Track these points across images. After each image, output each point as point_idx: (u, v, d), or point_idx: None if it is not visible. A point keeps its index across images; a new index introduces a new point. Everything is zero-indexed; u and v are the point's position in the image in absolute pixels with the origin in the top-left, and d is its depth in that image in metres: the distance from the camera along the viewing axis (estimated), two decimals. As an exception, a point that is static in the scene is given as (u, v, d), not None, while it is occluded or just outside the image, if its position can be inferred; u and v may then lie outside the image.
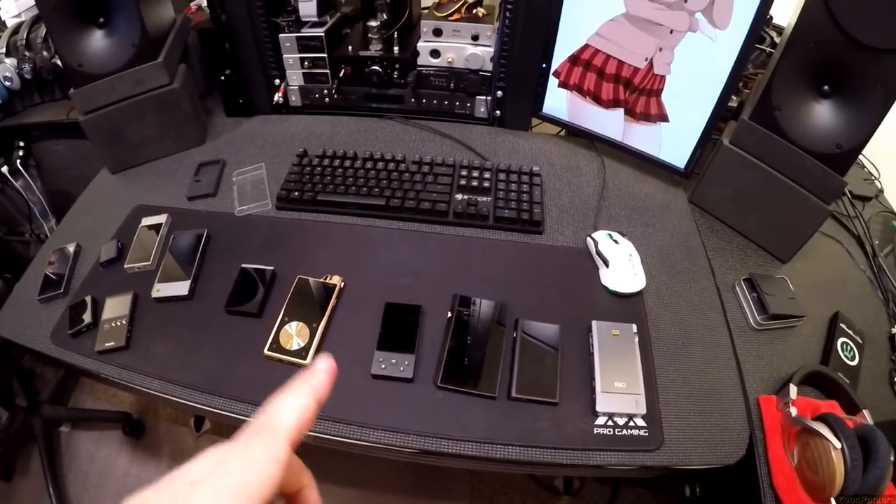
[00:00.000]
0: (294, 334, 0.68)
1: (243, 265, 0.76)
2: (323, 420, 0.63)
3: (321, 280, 0.75)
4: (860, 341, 0.77)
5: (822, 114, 0.76)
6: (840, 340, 0.76)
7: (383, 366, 0.68)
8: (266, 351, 0.67)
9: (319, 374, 0.26)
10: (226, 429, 1.34)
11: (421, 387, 0.68)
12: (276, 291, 0.74)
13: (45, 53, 1.13)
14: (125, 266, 0.78)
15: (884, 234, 0.95)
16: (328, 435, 0.63)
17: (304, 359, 0.66)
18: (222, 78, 1.03)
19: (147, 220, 0.84)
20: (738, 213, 0.88)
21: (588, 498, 1.20)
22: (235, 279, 0.74)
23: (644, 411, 0.64)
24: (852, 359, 0.75)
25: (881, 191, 1.02)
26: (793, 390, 0.67)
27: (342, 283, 0.75)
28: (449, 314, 0.73)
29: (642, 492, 1.18)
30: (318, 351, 0.68)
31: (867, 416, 0.66)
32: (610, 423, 0.65)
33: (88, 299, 0.74)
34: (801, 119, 0.78)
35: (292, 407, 0.23)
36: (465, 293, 0.75)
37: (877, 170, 1.04)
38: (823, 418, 0.62)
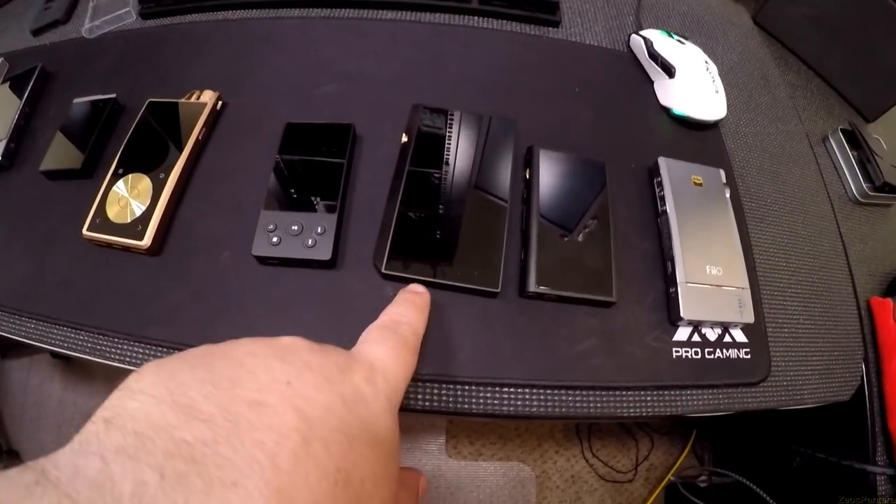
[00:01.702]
0: (129, 196, 0.37)
1: (75, 100, 0.45)
2: (171, 348, 0.34)
3: (182, 100, 0.43)
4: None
5: None
6: (940, 231, 0.54)
7: (275, 239, 0.34)
8: (85, 230, 0.37)
9: (426, 297, 0.25)
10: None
11: (352, 277, 0.34)
12: (119, 132, 0.43)
13: None
14: None
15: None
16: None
17: (141, 238, 0.36)
18: None
19: None
20: (820, 46, 0.59)
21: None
22: (61, 124, 0.44)
23: (752, 319, 0.35)
24: (952, 255, 0.53)
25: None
26: (924, 292, 0.43)
27: (218, 103, 0.43)
28: (404, 138, 0.37)
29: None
30: (164, 221, 0.37)
31: None
32: (696, 338, 0.35)
33: None
34: None
35: (419, 317, 0.23)
36: (435, 105, 0.38)
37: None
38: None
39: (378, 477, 0.15)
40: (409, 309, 0.23)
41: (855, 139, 0.52)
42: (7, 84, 0.48)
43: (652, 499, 0.78)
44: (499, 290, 0.32)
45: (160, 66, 0.47)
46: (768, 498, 0.53)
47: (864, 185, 0.50)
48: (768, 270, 0.40)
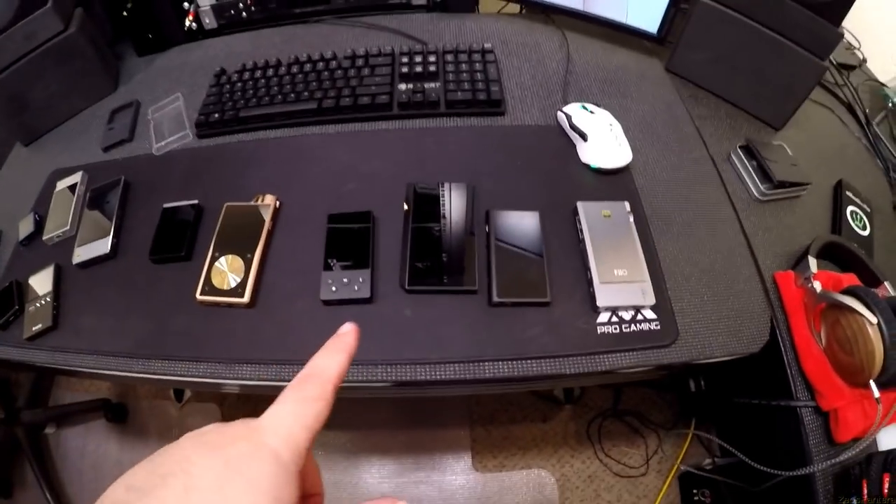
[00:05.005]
0: (227, 270, 0.57)
1: (164, 205, 0.64)
2: (272, 364, 0.53)
3: (251, 203, 0.62)
4: (868, 210, 0.69)
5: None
6: (849, 209, 0.67)
7: (334, 288, 0.54)
8: (198, 296, 0.56)
9: (347, 338, 0.26)
10: (206, 395, 1.24)
11: (384, 306, 0.54)
12: (204, 227, 0.62)
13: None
14: (44, 238, 0.66)
15: (873, 102, 0.86)
16: (278, 381, 0.52)
17: (242, 296, 0.55)
18: (125, 14, 0.84)
19: (62, 184, 0.71)
20: (723, 79, 0.76)
21: (591, 404, 1.09)
22: (157, 223, 0.63)
23: (653, 301, 0.52)
24: (863, 228, 0.67)
25: (864, 60, 0.93)
26: (812, 263, 0.57)
27: (276, 203, 0.63)
28: (405, 206, 0.58)
29: (646, 391, 1.08)
30: (256, 285, 0.57)
31: (889, 288, 0.58)
32: (615, 319, 0.52)
33: (11, 284, 0.63)
34: (787, -38, 0.66)
35: (332, 360, 0.24)
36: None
37: (857, 40, 0.95)
38: (852, 291, 0.51)
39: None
40: (325, 358, 0.24)
41: (751, 152, 0.67)
42: (94, 193, 0.67)
43: (665, 487, 0.88)
44: (476, 288, 0.51)
45: (222, 176, 0.66)
46: (757, 465, 0.58)
47: (761, 186, 0.64)
48: (672, 266, 0.56)
